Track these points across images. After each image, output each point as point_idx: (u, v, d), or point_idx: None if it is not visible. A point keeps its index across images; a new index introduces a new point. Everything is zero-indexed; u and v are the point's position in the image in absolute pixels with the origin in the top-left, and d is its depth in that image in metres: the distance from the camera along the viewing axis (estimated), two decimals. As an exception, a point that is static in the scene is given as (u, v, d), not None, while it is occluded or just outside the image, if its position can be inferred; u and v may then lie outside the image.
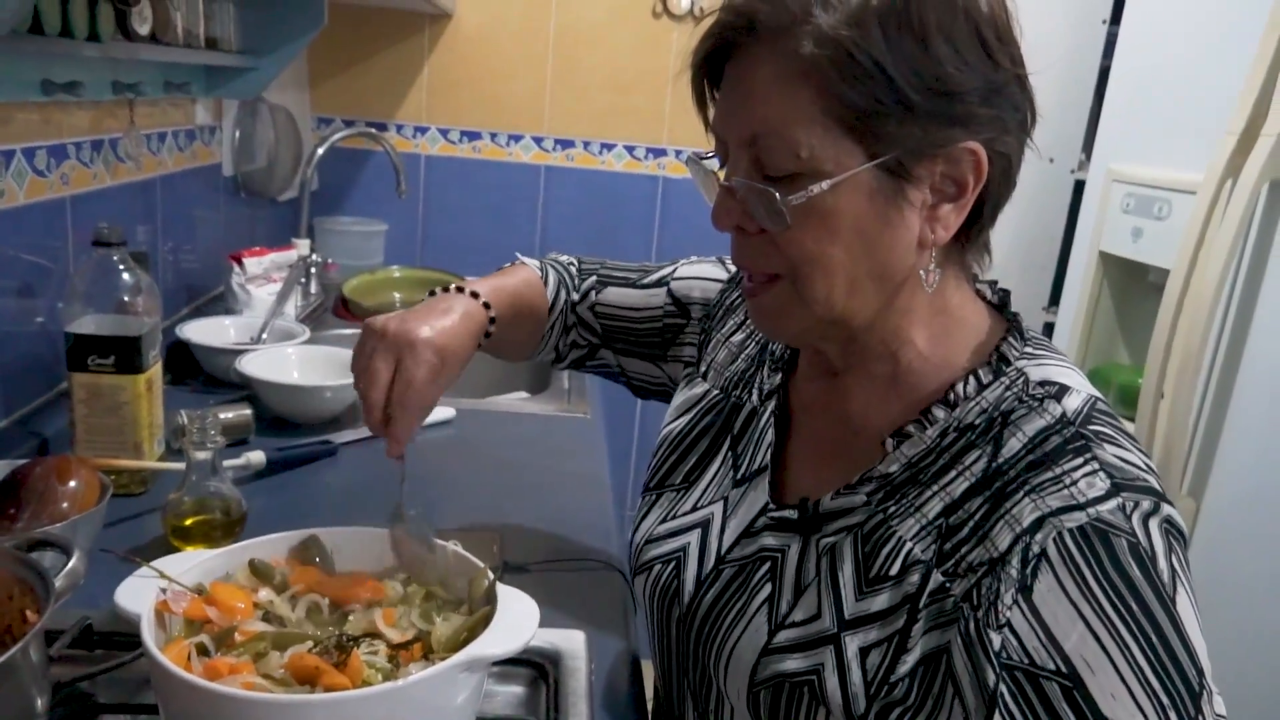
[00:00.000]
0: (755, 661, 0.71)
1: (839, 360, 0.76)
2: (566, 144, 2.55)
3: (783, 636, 0.70)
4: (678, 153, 2.56)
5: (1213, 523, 1.53)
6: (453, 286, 0.91)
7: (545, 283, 1.02)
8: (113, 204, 1.42)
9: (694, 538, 0.82)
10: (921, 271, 0.69)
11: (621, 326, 1.02)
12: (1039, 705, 0.59)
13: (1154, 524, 0.61)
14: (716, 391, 0.89)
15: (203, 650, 0.65)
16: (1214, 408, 1.55)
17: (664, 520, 0.85)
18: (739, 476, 0.82)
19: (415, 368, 0.81)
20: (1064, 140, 2.25)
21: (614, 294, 1.03)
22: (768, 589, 0.73)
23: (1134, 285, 1.88)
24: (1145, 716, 0.57)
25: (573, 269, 1.06)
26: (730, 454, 0.84)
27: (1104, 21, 2.19)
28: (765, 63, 0.64)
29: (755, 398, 0.85)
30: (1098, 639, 0.58)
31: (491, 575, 0.73)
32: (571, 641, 0.86)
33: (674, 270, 1.02)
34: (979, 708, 0.60)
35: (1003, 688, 0.60)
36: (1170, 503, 0.63)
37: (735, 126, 0.67)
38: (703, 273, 1.00)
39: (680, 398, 0.94)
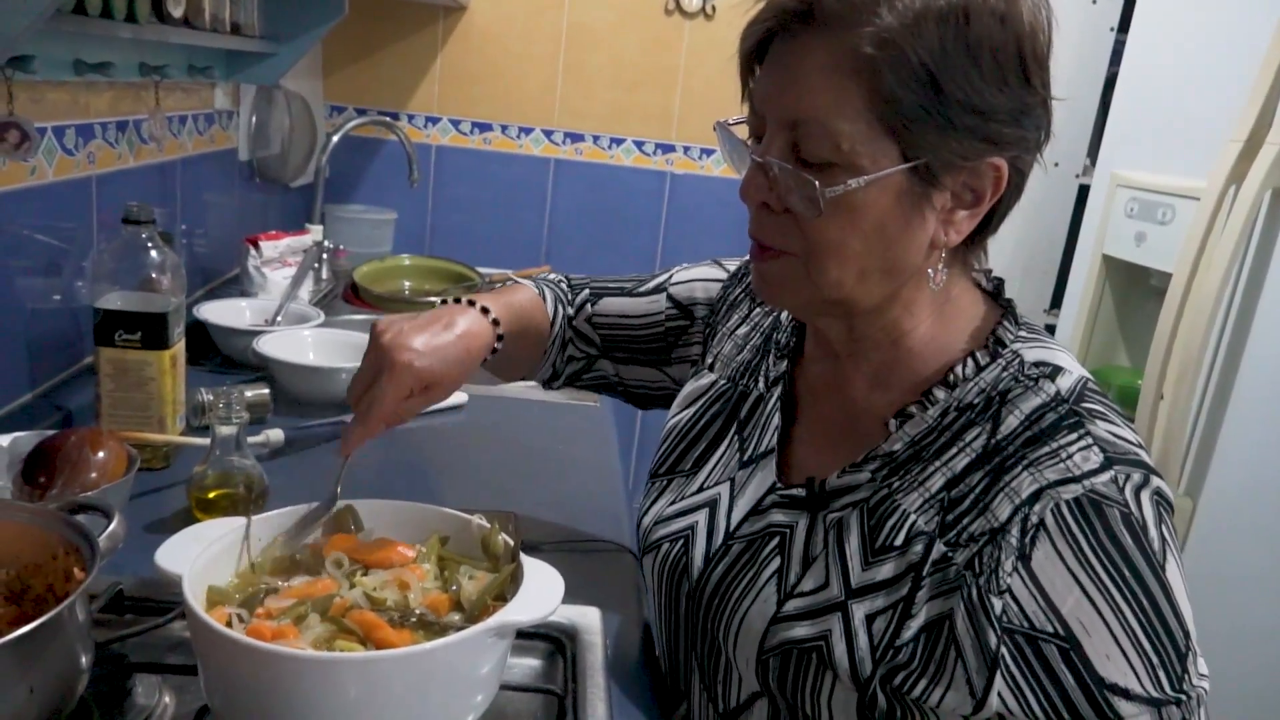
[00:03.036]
0: (765, 630, 0.74)
1: (841, 345, 0.79)
2: (576, 138, 2.57)
3: (791, 605, 0.74)
4: (686, 149, 2.58)
5: (1208, 522, 1.56)
6: (464, 300, 0.90)
7: (544, 300, 1.02)
8: (135, 184, 1.44)
9: (702, 516, 0.85)
10: (930, 270, 0.72)
11: (622, 335, 1.03)
12: (1038, 666, 0.63)
13: (1145, 495, 0.65)
14: (724, 381, 0.92)
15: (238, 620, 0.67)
16: (1212, 410, 1.58)
17: (673, 503, 0.89)
18: (745, 459, 0.85)
19: (387, 387, 0.79)
20: (1069, 145, 2.28)
21: (612, 304, 1.04)
22: (776, 562, 0.77)
23: (1135, 289, 1.91)
24: (1137, 675, 0.62)
25: (563, 286, 1.06)
26: (737, 438, 0.87)
27: (1112, 29, 2.22)
28: (818, 52, 0.66)
29: (761, 385, 0.88)
30: (1093, 603, 0.63)
31: (509, 539, 0.76)
32: (587, 617, 0.88)
33: (670, 277, 1.04)
34: (980, 669, 0.64)
35: (1003, 650, 0.64)
36: (1159, 475, 0.67)
37: (778, 107, 0.69)
38: (701, 274, 1.02)
39: (687, 389, 0.96)
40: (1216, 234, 1.53)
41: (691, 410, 0.93)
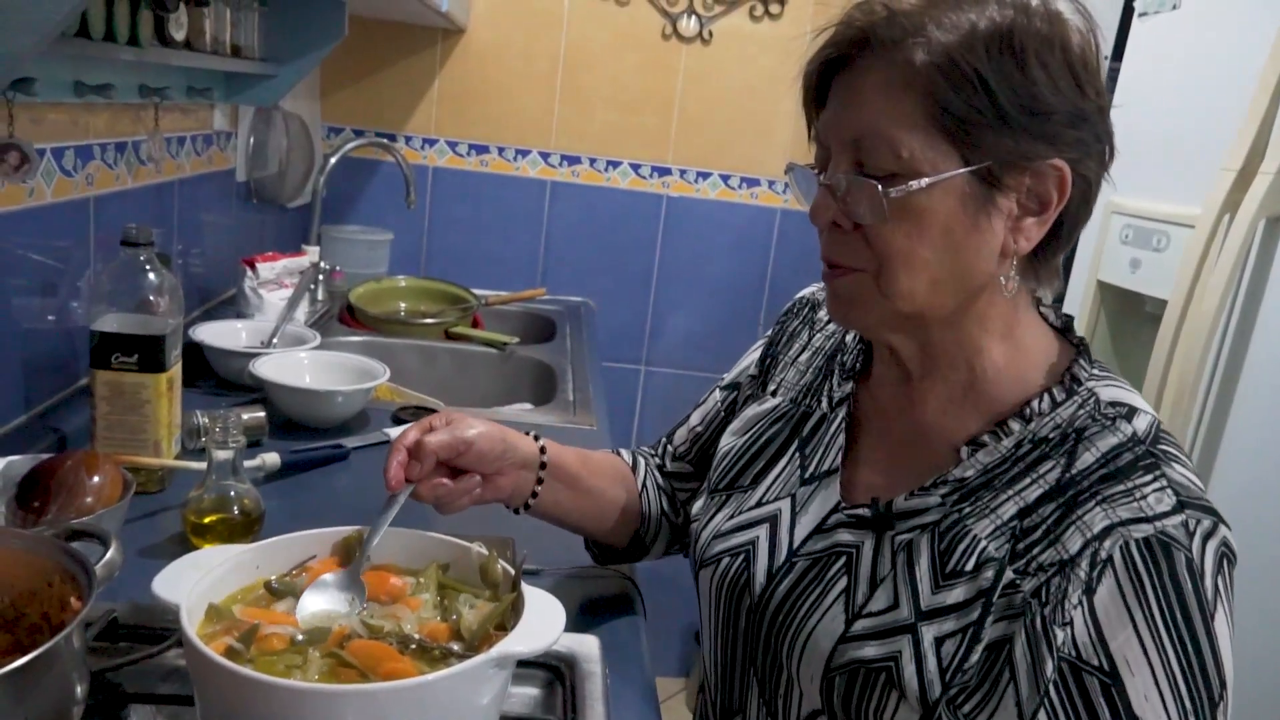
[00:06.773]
0: (832, 649, 0.75)
1: (915, 365, 0.80)
2: (573, 160, 2.58)
3: (860, 625, 0.75)
4: (682, 172, 2.59)
5: (1205, 550, 1.56)
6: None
7: (619, 453, 1.08)
8: (132, 205, 1.44)
9: (763, 532, 0.85)
10: (1002, 278, 0.74)
11: (699, 446, 1.06)
12: (1078, 696, 0.65)
13: (1211, 544, 0.67)
14: (786, 404, 0.93)
15: (233, 654, 0.65)
16: (1207, 438, 1.58)
17: (731, 517, 0.89)
18: (806, 476, 0.86)
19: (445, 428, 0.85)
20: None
21: (681, 429, 1.09)
22: (843, 581, 0.78)
23: (1130, 315, 1.91)
24: (1169, 718, 0.64)
25: (644, 449, 1.11)
26: (798, 455, 0.88)
27: (1106, 57, 2.24)
28: (874, 71, 0.71)
29: (825, 404, 0.89)
30: (1141, 643, 0.65)
31: (508, 567, 0.76)
32: (586, 646, 0.87)
33: (721, 379, 1.09)
34: (1031, 696, 0.66)
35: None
36: (1228, 525, 0.68)
37: (840, 128, 0.73)
38: (745, 355, 1.06)
39: (747, 413, 0.97)
40: (1211, 261, 1.53)
41: (751, 433, 0.94)
